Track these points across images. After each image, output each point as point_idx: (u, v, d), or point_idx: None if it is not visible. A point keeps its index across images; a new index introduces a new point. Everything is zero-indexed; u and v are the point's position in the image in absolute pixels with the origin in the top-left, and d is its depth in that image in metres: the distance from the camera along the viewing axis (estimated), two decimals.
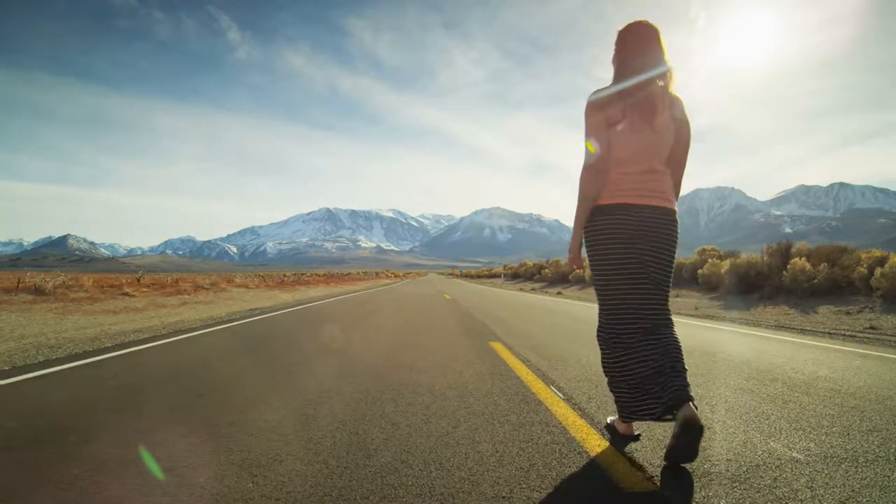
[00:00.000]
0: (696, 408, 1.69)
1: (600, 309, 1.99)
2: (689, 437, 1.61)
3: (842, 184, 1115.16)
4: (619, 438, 2.00)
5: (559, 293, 19.95)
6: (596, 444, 1.93)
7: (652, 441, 1.98)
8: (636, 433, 2.03)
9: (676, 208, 1.95)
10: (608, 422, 2.14)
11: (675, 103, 1.91)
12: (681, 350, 1.87)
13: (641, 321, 1.87)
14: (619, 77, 1.89)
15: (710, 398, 2.67)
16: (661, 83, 1.85)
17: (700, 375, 3.27)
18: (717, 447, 1.90)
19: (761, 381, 3.12)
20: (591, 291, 19.20)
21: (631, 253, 1.85)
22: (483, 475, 1.65)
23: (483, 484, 1.58)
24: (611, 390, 1.98)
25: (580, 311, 9.67)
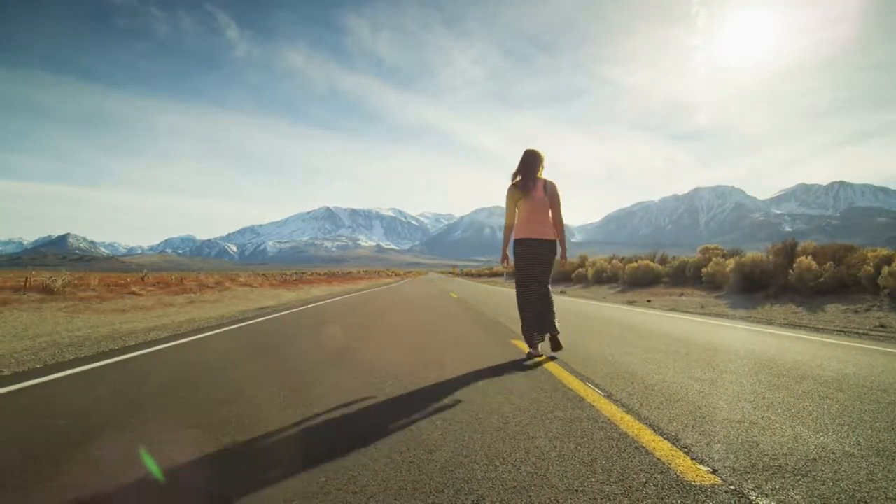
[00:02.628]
0: (558, 332, 3.85)
1: (517, 284, 3.95)
2: (555, 345, 3.83)
3: (842, 182, 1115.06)
4: (532, 356, 3.86)
5: (562, 292, 20.00)
6: (650, 439, 1.97)
7: (706, 437, 2.02)
8: (539, 354, 3.87)
9: (554, 237, 3.88)
10: (529, 353, 3.95)
11: (549, 186, 3.85)
12: (552, 306, 3.88)
13: (531, 293, 3.87)
14: (522, 177, 3.83)
15: (747, 394, 2.70)
16: (539, 177, 3.83)
17: (730, 373, 3.31)
18: (769, 441, 1.94)
19: (791, 377, 3.16)
20: (595, 290, 19.27)
21: (530, 263, 3.85)
22: (549, 469, 1.68)
23: (551, 477, 1.61)
24: (522, 329, 3.97)
25: (593, 311, 9.71)
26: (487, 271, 63.13)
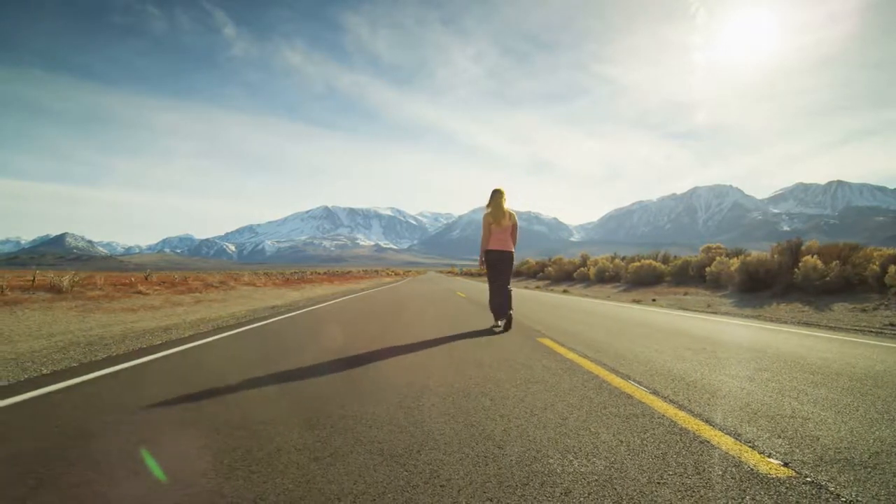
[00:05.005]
0: (511, 316, 5.64)
1: (488, 282, 5.76)
2: (508, 324, 5.59)
3: (839, 182, 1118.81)
4: (494, 326, 5.69)
5: (565, 290, 20.08)
6: (712, 434, 2.02)
7: (765, 431, 2.07)
8: (500, 325, 5.57)
9: (512, 250, 5.73)
10: (493, 325, 5.79)
11: (512, 217, 5.70)
12: (510, 297, 5.63)
13: (497, 285, 5.64)
14: (491, 208, 5.67)
15: (788, 391, 2.76)
16: (504, 208, 5.64)
17: (764, 370, 3.36)
18: (827, 435, 2.00)
19: (825, 374, 3.22)
20: (598, 289, 19.34)
21: (496, 266, 5.66)
22: (624, 462, 1.73)
23: (629, 470, 1.66)
24: (490, 308, 5.76)
25: (605, 310, 9.75)
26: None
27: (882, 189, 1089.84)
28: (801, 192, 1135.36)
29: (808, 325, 7.06)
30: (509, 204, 5.76)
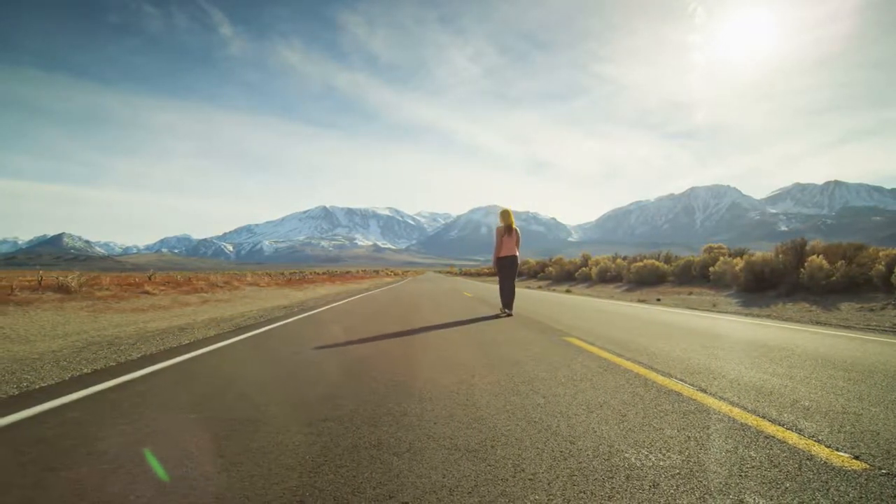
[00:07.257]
0: (511, 310, 7.79)
1: (499, 280, 8.05)
2: (510, 313, 7.68)
3: (837, 182, 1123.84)
4: (503, 313, 7.74)
5: (568, 290, 20.14)
6: (775, 430, 2.08)
7: (824, 426, 2.13)
8: (508, 313, 7.64)
9: (517, 255, 7.97)
10: (500, 311, 8.00)
11: (517, 231, 7.94)
12: (514, 294, 7.94)
13: (505, 283, 7.91)
14: (504, 223, 7.91)
15: (829, 388, 2.82)
16: (511, 223, 7.91)
17: (798, 367, 3.42)
18: (887, 430, 2.06)
19: (860, 372, 3.29)
20: (600, 288, 19.41)
21: (505, 268, 7.89)
22: (699, 456, 1.78)
23: (708, 464, 1.72)
24: (501, 299, 7.95)
25: (616, 309, 9.80)
26: (487, 270, 62.56)
27: (879, 189, 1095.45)
28: (799, 192, 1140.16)
29: (819, 324, 7.14)
30: (506, 207, 8.14)
